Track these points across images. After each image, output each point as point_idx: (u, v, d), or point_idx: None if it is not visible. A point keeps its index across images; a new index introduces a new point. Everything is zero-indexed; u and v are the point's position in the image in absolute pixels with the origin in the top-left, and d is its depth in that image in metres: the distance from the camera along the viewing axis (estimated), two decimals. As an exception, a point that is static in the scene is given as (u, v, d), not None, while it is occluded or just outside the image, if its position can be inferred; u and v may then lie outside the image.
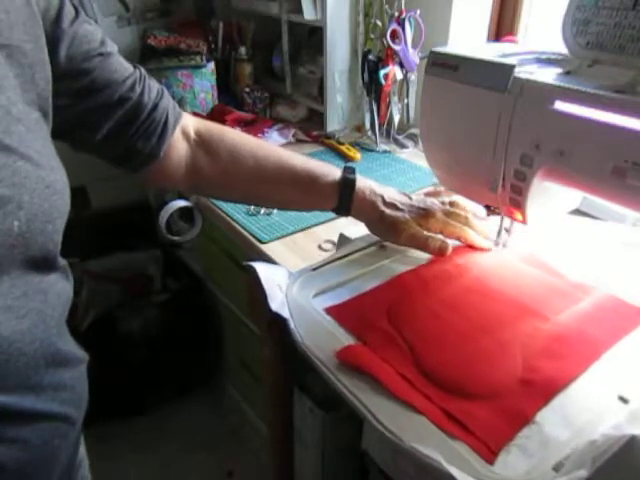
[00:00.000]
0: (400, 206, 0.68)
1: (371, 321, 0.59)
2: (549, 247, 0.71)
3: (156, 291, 1.56)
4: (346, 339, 0.57)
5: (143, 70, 0.62)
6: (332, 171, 0.69)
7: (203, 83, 1.38)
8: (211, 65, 1.39)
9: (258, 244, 0.87)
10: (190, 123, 0.68)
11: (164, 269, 1.59)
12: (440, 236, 0.68)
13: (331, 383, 0.52)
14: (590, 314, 0.58)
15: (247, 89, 1.42)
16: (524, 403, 0.48)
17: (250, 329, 1.23)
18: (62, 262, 0.50)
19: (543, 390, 0.49)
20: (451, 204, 0.71)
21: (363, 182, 0.69)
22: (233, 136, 0.69)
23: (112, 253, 1.59)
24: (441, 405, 0.48)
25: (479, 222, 0.70)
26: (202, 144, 0.67)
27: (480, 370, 0.52)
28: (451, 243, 0.68)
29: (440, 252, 0.67)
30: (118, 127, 0.59)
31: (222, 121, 1.29)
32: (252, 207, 0.98)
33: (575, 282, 0.64)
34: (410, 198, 0.70)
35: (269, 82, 1.50)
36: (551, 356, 0.53)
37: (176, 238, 1.48)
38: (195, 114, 1.34)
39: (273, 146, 0.71)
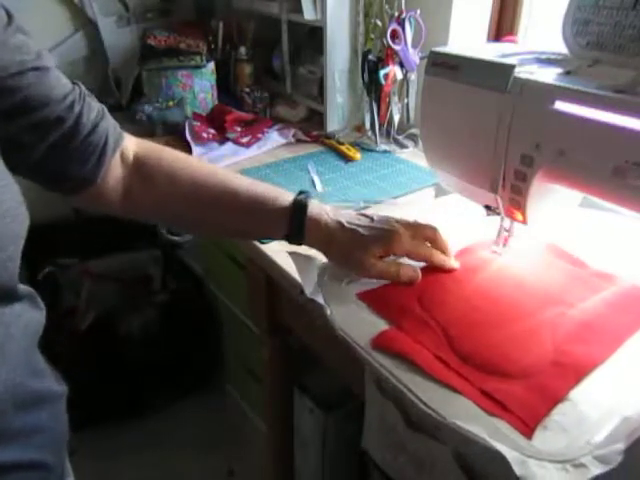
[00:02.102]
0: (362, 232, 0.61)
1: (404, 306, 0.60)
2: (567, 238, 0.72)
3: (156, 291, 1.56)
4: (380, 323, 0.58)
5: (83, 88, 0.57)
6: (282, 195, 0.63)
7: (203, 83, 1.38)
8: (211, 65, 1.39)
9: (258, 244, 0.87)
10: (130, 146, 0.63)
11: (164, 269, 1.59)
12: (410, 264, 0.64)
13: (370, 365, 0.53)
14: (614, 302, 0.60)
15: (247, 89, 1.42)
16: (557, 382, 0.50)
17: (250, 329, 1.23)
18: (25, 290, 0.47)
19: (574, 371, 0.51)
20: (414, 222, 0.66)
21: (318, 206, 0.63)
22: (172, 159, 0.64)
23: (112, 253, 1.59)
24: (478, 385, 0.50)
25: (444, 239, 0.66)
26: (139, 168, 0.62)
27: (513, 352, 0.54)
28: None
29: (410, 283, 0.63)
30: (52, 150, 0.53)
31: (222, 121, 1.29)
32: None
33: (598, 271, 0.65)
34: (372, 219, 0.63)
35: (269, 82, 1.50)
36: (579, 340, 0.54)
37: (176, 238, 1.48)
38: (195, 114, 1.34)
39: (216, 168, 0.66)
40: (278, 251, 0.81)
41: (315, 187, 1.04)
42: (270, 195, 0.63)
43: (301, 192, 0.64)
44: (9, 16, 0.48)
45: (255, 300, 0.97)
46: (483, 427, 0.44)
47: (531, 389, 0.49)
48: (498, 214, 0.68)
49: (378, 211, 0.93)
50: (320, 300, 0.61)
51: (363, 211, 0.65)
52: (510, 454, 0.42)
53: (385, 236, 0.61)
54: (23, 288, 0.46)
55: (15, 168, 0.50)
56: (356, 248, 0.61)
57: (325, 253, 0.65)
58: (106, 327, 1.45)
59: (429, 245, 0.65)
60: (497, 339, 0.55)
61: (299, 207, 0.62)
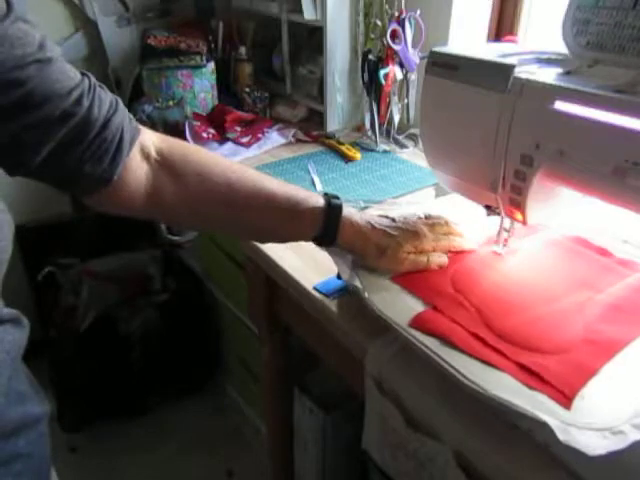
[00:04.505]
0: (391, 232, 0.64)
1: (437, 287, 0.63)
2: (586, 228, 0.73)
3: (156, 291, 1.56)
4: (415, 304, 0.60)
5: (93, 79, 0.53)
6: (313, 196, 0.63)
7: (203, 83, 1.38)
8: (211, 65, 1.39)
9: (257, 243, 0.87)
10: (150, 140, 0.58)
11: (164, 269, 1.59)
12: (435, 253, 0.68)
13: (410, 344, 0.55)
14: None
15: (247, 89, 1.42)
16: (591, 357, 0.52)
17: (250, 329, 1.23)
18: (10, 313, 0.45)
19: (606, 348, 0.53)
20: (426, 217, 0.70)
21: (348, 209, 0.64)
22: (201, 155, 0.61)
23: (112, 253, 1.59)
24: (515, 359, 0.51)
25: (458, 227, 0.71)
26: (165, 164, 0.58)
27: (546, 331, 0.56)
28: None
29: (439, 267, 0.67)
30: (62, 148, 0.49)
31: (222, 121, 1.29)
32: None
33: (622, 259, 0.67)
34: (393, 220, 0.67)
35: (269, 82, 1.50)
36: (609, 321, 0.56)
37: (176, 238, 1.48)
38: (195, 114, 1.34)
39: (245, 167, 0.64)
40: (278, 251, 0.81)
41: (315, 187, 1.04)
42: (302, 195, 0.63)
43: (327, 193, 0.65)
44: (8, 4, 0.44)
45: (255, 300, 0.97)
46: (522, 399, 0.46)
47: (566, 363, 0.51)
48: (498, 214, 0.68)
49: (378, 211, 0.94)
50: (357, 284, 0.63)
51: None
52: (553, 422, 0.43)
53: (413, 235, 0.65)
54: (6, 312, 0.45)
55: (21, 169, 0.49)
56: (389, 246, 0.63)
57: (358, 253, 0.65)
58: (106, 327, 1.45)
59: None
60: (530, 319, 0.57)
61: (334, 208, 0.63)
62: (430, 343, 0.54)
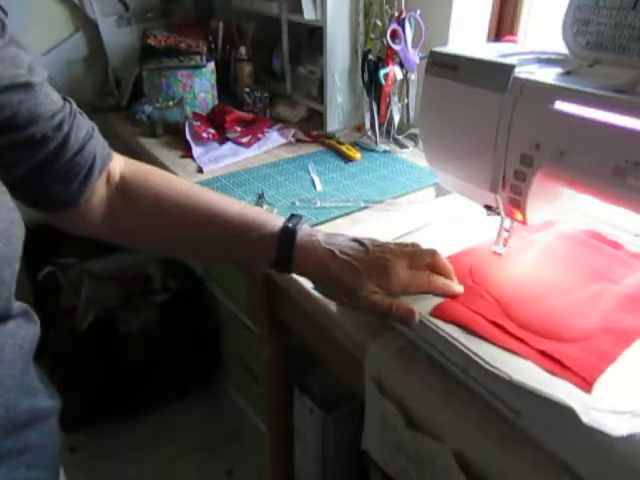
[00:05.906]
0: (355, 264, 0.56)
1: (457, 280, 0.63)
2: (597, 222, 0.74)
3: (156, 291, 1.56)
4: (436, 296, 0.60)
5: (74, 105, 0.55)
6: (271, 221, 0.60)
7: (203, 83, 1.38)
8: (211, 65, 1.39)
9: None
10: (118, 166, 0.60)
11: (164, 269, 1.59)
12: (406, 300, 0.58)
13: (433, 333, 0.56)
14: None
15: (247, 89, 1.42)
16: (609, 345, 0.53)
17: (250, 329, 1.23)
18: (20, 307, 0.46)
19: (623, 336, 0.54)
20: (413, 246, 0.61)
21: (309, 232, 0.59)
22: (158, 181, 0.61)
23: (112, 253, 1.59)
24: (535, 346, 0.53)
25: (446, 264, 0.61)
26: (123, 190, 0.59)
27: (565, 320, 0.57)
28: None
29: (405, 321, 0.57)
30: (36, 169, 0.51)
31: (222, 121, 1.29)
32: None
33: (634, 252, 0.68)
34: (367, 248, 0.58)
35: (269, 82, 1.50)
36: (626, 310, 0.58)
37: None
38: (195, 114, 1.34)
39: (205, 191, 0.62)
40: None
41: (315, 187, 1.04)
42: (258, 221, 0.59)
43: (292, 216, 0.61)
44: (3, 27, 0.46)
45: (255, 300, 0.97)
46: (545, 385, 0.47)
47: (586, 350, 0.52)
48: (498, 214, 0.68)
49: (378, 211, 0.94)
50: None
51: (357, 236, 0.61)
52: (577, 406, 0.44)
53: (381, 272, 0.57)
54: (18, 305, 0.45)
55: None
56: (347, 280, 0.57)
57: (315, 282, 0.61)
58: (106, 327, 1.45)
59: (428, 272, 0.60)
60: (549, 309, 0.58)
61: (287, 234, 0.58)
62: (452, 331, 0.55)
